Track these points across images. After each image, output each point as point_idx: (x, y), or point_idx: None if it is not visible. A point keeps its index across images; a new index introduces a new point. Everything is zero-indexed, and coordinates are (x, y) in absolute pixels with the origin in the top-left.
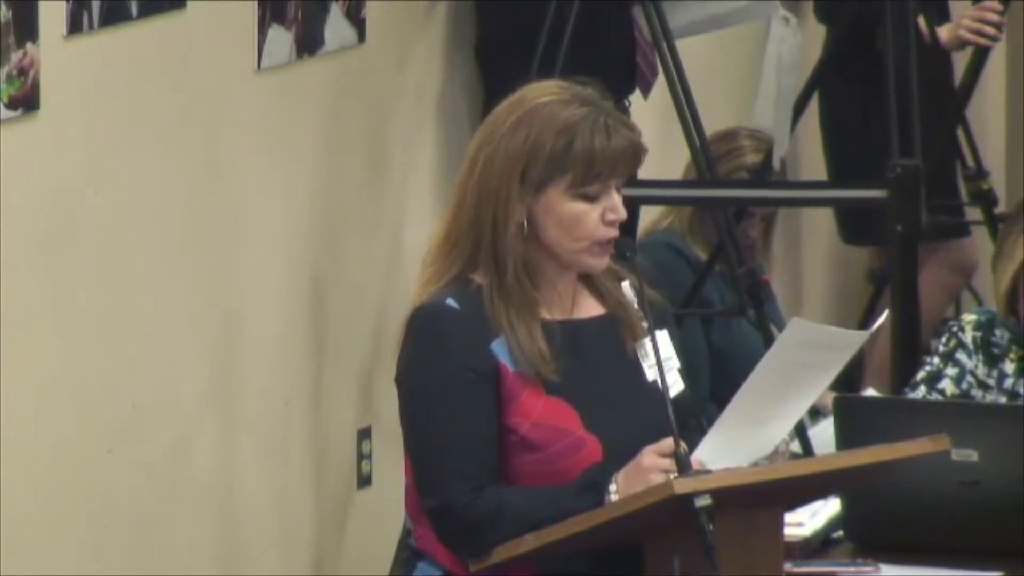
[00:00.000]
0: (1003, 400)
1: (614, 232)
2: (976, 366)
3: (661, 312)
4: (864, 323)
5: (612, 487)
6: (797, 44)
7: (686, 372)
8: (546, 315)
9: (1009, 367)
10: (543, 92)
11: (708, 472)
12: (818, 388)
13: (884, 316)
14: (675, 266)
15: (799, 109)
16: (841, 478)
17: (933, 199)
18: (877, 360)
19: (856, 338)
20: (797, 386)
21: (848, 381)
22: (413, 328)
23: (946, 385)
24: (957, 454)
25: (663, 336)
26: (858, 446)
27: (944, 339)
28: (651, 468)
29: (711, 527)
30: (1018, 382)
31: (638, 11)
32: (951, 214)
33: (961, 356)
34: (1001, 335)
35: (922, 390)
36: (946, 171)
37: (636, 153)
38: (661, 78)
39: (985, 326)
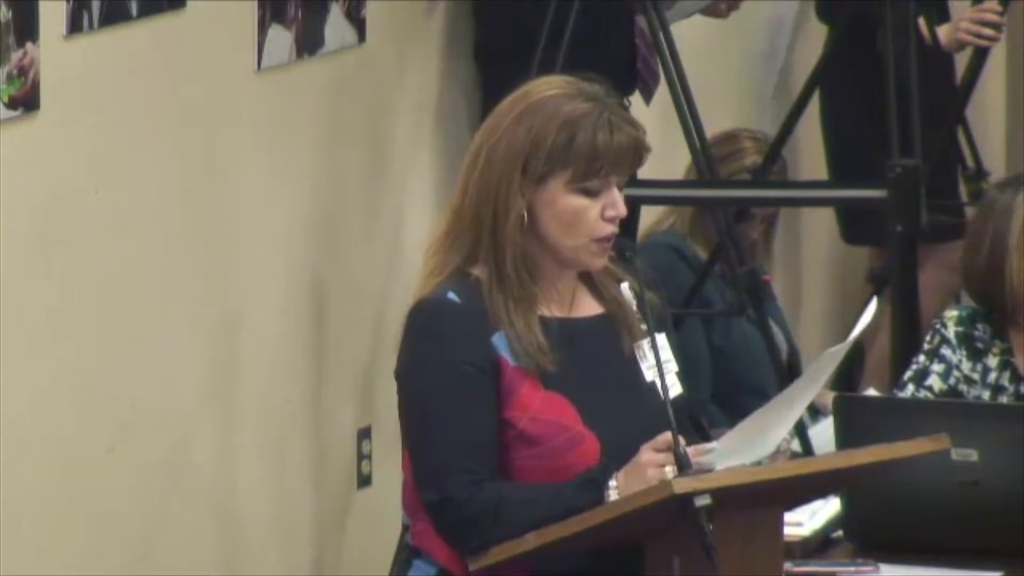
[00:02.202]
0: (987, 394)
1: (613, 228)
2: (960, 361)
3: (660, 315)
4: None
5: (612, 483)
6: None
7: (687, 374)
8: (545, 311)
9: (992, 361)
10: (548, 86)
11: (708, 472)
12: (813, 391)
13: (871, 310)
14: (675, 267)
15: (799, 109)
16: (841, 478)
17: (933, 199)
18: (877, 360)
19: (844, 345)
20: (801, 392)
21: (848, 381)
22: (414, 322)
23: (933, 381)
24: (957, 454)
25: (661, 339)
26: (858, 446)
27: (928, 337)
28: (648, 464)
29: (711, 527)
30: (1002, 376)
31: (640, 19)
32: (951, 214)
33: (946, 352)
34: (983, 329)
35: (910, 388)
36: (946, 171)
37: (638, 150)
38: (662, 82)
39: (966, 321)
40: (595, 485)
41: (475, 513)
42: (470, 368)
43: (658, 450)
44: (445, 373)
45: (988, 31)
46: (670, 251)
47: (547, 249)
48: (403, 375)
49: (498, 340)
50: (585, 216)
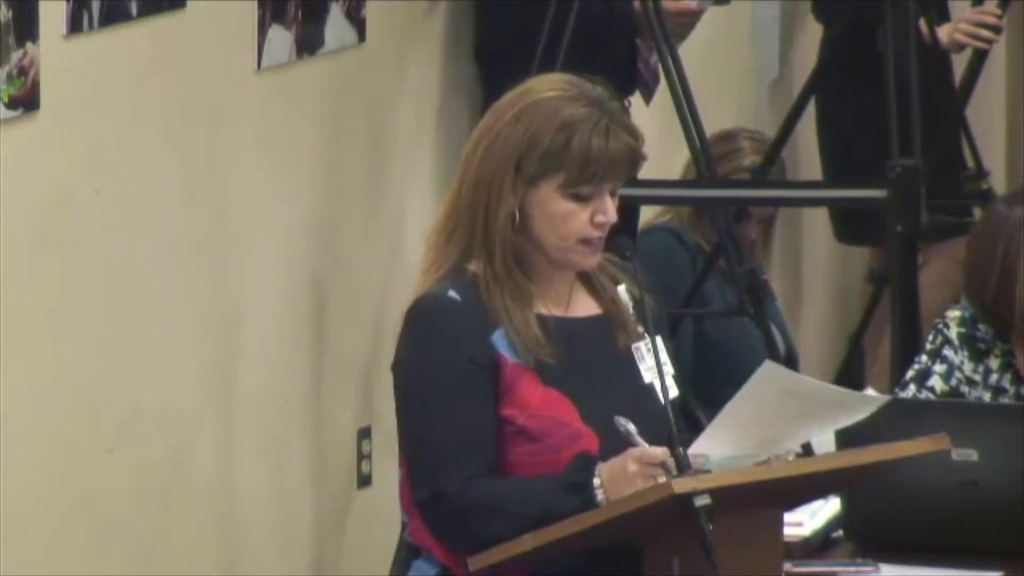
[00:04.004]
0: (989, 396)
1: (602, 233)
2: (962, 362)
3: (657, 318)
4: (864, 323)
5: (596, 481)
6: None
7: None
8: (542, 310)
9: (994, 363)
10: (550, 86)
11: (707, 472)
12: (805, 436)
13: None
14: (674, 251)
15: (799, 109)
16: (841, 478)
17: (938, 198)
18: (878, 360)
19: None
20: (785, 431)
21: (849, 381)
22: (414, 318)
23: (935, 382)
24: (957, 454)
25: (658, 342)
26: (858, 446)
27: (931, 336)
28: (637, 475)
29: (710, 527)
30: (1003, 377)
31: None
32: (958, 213)
33: (948, 352)
34: (985, 331)
35: (912, 389)
36: (950, 171)
37: (633, 159)
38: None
39: (969, 322)
40: (581, 488)
41: (465, 508)
42: (468, 366)
43: (647, 463)
44: (442, 371)
45: (985, 33)
46: (670, 236)
47: (539, 248)
48: (401, 371)
49: (497, 338)
50: (574, 220)
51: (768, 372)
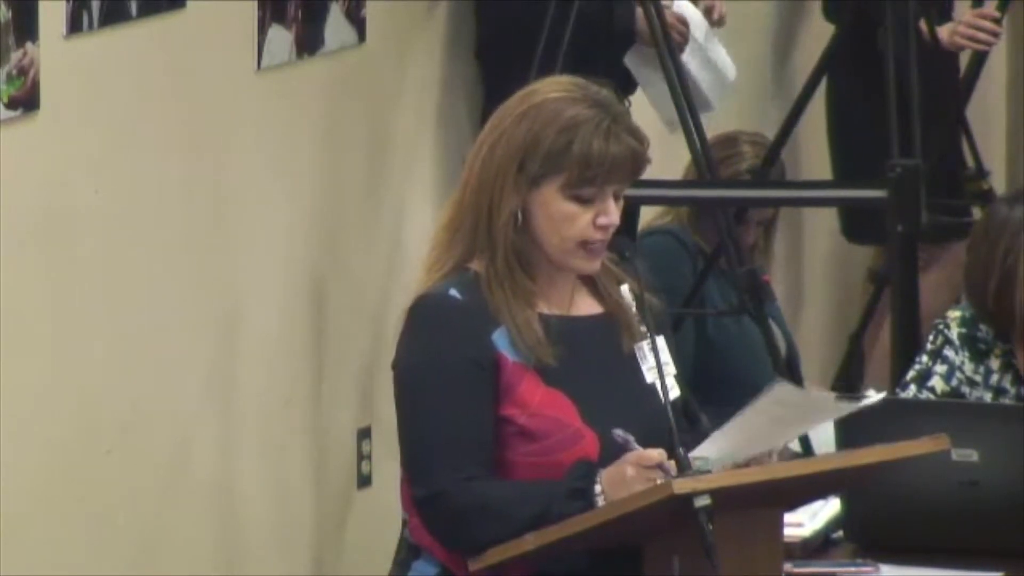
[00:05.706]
0: (989, 396)
1: (604, 236)
2: (963, 362)
3: (660, 317)
4: (864, 323)
5: (597, 488)
6: None
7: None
8: (544, 309)
9: (995, 363)
10: (555, 88)
11: (707, 472)
12: (787, 438)
13: (877, 397)
14: (675, 252)
15: (799, 109)
16: (841, 478)
17: (938, 199)
18: (877, 360)
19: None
20: (770, 435)
21: (848, 381)
22: (415, 317)
23: (936, 383)
24: (957, 454)
25: (660, 341)
26: (858, 446)
27: (931, 337)
28: (635, 480)
29: (711, 527)
30: (1003, 378)
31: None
32: (958, 213)
33: (949, 353)
34: (986, 331)
35: (912, 389)
36: (951, 172)
37: (636, 162)
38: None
39: (969, 322)
40: (582, 494)
41: (462, 508)
42: (468, 366)
43: (645, 466)
44: (443, 370)
45: (984, 35)
46: (670, 238)
47: (540, 248)
48: (401, 370)
49: (498, 337)
50: (576, 222)
51: (779, 393)
